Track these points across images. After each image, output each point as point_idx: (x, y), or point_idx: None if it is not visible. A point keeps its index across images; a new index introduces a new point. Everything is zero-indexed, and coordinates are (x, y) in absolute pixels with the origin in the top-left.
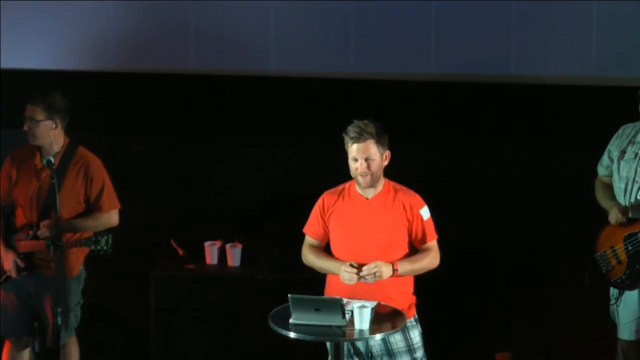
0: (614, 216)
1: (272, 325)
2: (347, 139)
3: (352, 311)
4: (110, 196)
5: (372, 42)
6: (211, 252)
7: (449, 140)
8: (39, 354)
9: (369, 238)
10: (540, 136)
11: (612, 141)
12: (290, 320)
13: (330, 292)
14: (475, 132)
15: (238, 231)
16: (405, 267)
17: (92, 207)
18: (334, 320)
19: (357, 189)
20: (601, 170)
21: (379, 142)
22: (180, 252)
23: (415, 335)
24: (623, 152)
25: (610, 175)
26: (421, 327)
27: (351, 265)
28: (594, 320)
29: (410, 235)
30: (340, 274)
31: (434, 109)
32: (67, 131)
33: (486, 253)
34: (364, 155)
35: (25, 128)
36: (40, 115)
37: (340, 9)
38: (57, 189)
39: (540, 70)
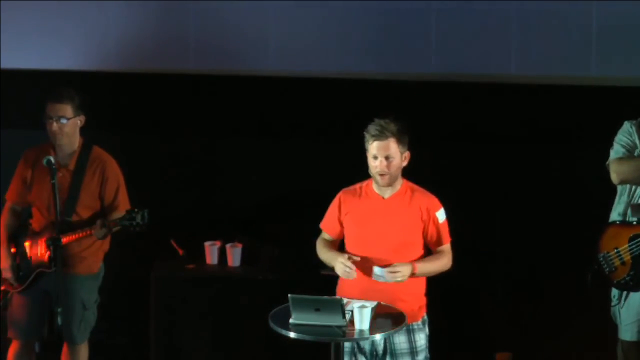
0: None
1: (272, 325)
2: (367, 136)
3: (352, 311)
4: (124, 196)
5: (372, 42)
6: (211, 252)
7: (449, 141)
8: (39, 354)
9: (384, 237)
10: (540, 136)
11: (622, 134)
12: (290, 320)
13: (342, 290)
14: (475, 132)
15: (238, 231)
16: (422, 268)
17: (108, 207)
18: (334, 320)
19: (374, 187)
20: (618, 153)
21: (399, 141)
22: (180, 252)
23: (421, 338)
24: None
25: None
26: (429, 329)
27: (349, 258)
28: (594, 321)
29: (424, 236)
30: (335, 266)
31: (434, 109)
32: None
33: (486, 253)
34: (384, 153)
35: (55, 129)
36: (70, 113)
37: (341, 9)
38: (56, 189)
39: (540, 70)
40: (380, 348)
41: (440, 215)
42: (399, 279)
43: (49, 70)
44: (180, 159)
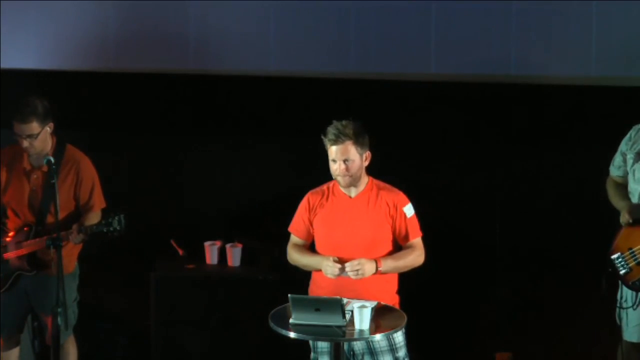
0: (624, 218)
1: (272, 325)
2: (325, 140)
3: (352, 311)
4: (99, 195)
5: (372, 42)
6: (211, 252)
7: (449, 141)
8: (39, 354)
9: (353, 236)
10: (540, 136)
11: (624, 142)
12: (290, 320)
13: (314, 290)
14: (475, 132)
15: (238, 231)
16: (388, 264)
17: (83, 207)
18: (334, 320)
19: (341, 187)
20: (613, 171)
21: (357, 143)
22: (180, 252)
23: (398, 335)
24: (639, 155)
25: (624, 176)
26: (406, 327)
27: (334, 260)
28: (595, 321)
29: (394, 232)
30: (323, 268)
31: (433, 109)
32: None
33: (486, 253)
34: (343, 156)
35: (26, 145)
36: (37, 128)
37: (340, 9)
38: (56, 190)
39: (540, 70)
40: (357, 348)
41: (408, 210)
42: (359, 275)
43: (49, 70)
44: (180, 159)
